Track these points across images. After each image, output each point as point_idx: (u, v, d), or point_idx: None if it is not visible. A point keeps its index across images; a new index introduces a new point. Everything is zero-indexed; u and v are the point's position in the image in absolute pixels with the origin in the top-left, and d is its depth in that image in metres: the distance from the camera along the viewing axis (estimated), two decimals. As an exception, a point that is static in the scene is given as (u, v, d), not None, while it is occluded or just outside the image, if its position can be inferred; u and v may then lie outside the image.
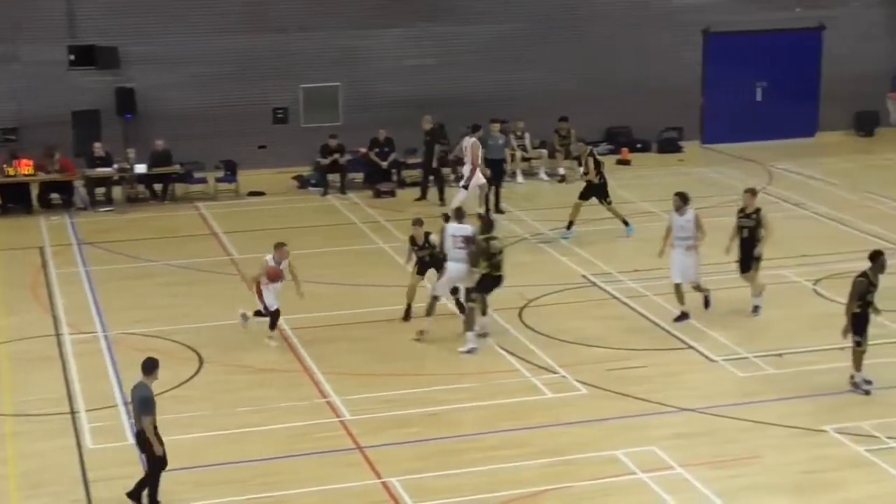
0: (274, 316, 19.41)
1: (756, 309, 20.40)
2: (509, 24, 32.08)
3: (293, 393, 17.67)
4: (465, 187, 26.06)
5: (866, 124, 34.58)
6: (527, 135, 30.65)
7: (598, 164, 25.14)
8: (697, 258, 20.01)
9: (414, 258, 20.37)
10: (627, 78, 32.73)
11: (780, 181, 29.80)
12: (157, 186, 29.07)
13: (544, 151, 30.98)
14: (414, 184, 29.35)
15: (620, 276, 22.56)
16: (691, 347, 19.23)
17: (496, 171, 27.41)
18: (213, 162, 29.91)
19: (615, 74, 32.69)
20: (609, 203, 25.20)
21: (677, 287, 20.05)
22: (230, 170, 29.77)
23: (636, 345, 19.36)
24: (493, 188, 27.17)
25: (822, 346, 19.04)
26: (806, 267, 22.96)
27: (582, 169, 25.62)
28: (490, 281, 19.39)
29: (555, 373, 18.29)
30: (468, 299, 19.48)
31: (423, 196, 28.54)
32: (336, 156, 29.44)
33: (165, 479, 14.37)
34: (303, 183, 30.09)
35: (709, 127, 33.84)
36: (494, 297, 20.63)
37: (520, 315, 20.70)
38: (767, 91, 34.04)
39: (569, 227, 25.11)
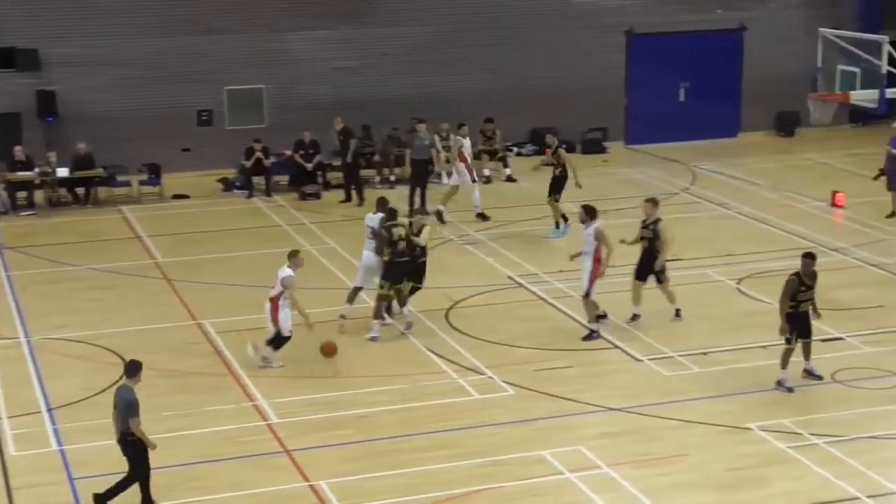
0: (284, 341, 18.56)
1: (678, 312, 20.33)
2: (434, 26, 32.09)
3: (219, 396, 17.56)
4: (474, 180, 26.76)
5: (787, 124, 35.00)
6: (452, 136, 30.65)
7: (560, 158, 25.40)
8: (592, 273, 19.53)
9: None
10: (551, 79, 32.87)
11: (704, 181, 30.07)
12: (80, 190, 28.74)
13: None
14: (339, 186, 29.27)
15: (546, 277, 22.65)
16: (617, 347, 19.34)
17: (421, 172, 27.43)
18: (137, 165, 29.62)
19: (539, 75, 32.82)
20: (557, 200, 25.28)
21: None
22: (154, 173, 29.52)
23: (562, 345, 19.45)
24: (417, 189, 27.20)
25: (745, 345, 19.26)
26: (730, 266, 23.18)
27: (550, 159, 25.61)
28: (392, 268, 19.56)
29: (482, 374, 18.33)
30: (379, 286, 19.73)
31: (348, 198, 28.49)
32: (259, 155, 29.22)
33: (91, 485, 14.21)
34: (228, 186, 29.89)
35: (633, 127, 34.08)
36: (421, 299, 20.70)
37: (446, 316, 20.71)
38: (690, 92, 34.34)
39: (557, 224, 25.26)
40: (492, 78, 32.46)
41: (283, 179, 29.91)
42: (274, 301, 18.38)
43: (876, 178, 26.83)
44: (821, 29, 24.55)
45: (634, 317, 20.20)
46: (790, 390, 17.50)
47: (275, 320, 18.39)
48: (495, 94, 32.19)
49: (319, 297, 21.32)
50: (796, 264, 22.90)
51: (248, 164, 29.29)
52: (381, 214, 20.06)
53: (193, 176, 30.39)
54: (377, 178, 30.15)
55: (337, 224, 26.72)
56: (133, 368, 14.25)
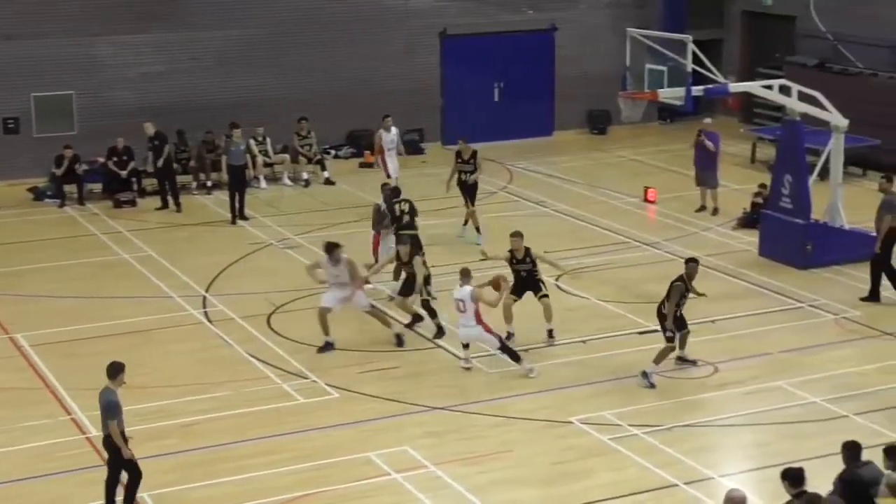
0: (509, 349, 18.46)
1: (550, 332, 19.64)
2: (245, 29, 31.75)
3: (35, 411, 17.11)
4: (388, 175, 27.01)
5: (599, 122, 35.68)
6: (268, 139, 30.42)
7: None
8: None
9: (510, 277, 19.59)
10: (366, 81, 32.86)
11: (520, 179, 30.46)
12: None
13: (287, 156, 30.82)
14: (155, 192, 28.81)
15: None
16: (439, 347, 19.46)
17: (239, 178, 27.14)
18: (-59, 175, 28.69)
19: (354, 78, 32.76)
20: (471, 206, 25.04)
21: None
22: (-40, 183, 28.62)
23: (385, 346, 19.47)
24: (236, 194, 26.91)
25: (565, 340, 19.59)
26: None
27: (467, 166, 25.00)
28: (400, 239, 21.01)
29: (306, 378, 18.26)
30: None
31: (164, 205, 28.04)
32: (66, 164, 28.51)
33: None
34: (38, 195, 29.10)
35: (449, 128, 34.29)
36: (243, 305, 20.58)
37: (268, 321, 20.57)
38: (505, 92, 34.74)
39: (478, 229, 24.75)
40: (306, 80, 32.29)
41: (97, 187, 29.27)
42: (479, 318, 18.09)
43: (697, 134, 27.56)
44: (628, 29, 25.04)
45: (509, 335, 19.36)
46: (653, 386, 17.83)
47: (489, 331, 18.17)
48: (310, 97, 32.02)
49: (137, 306, 20.95)
50: (613, 259, 23.61)
51: (59, 172, 28.59)
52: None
53: (1, 186, 29.51)
54: (193, 184, 29.70)
55: (153, 231, 26.29)
56: (114, 370, 14.12)
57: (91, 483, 14.99)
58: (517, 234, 19.66)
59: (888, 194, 21.49)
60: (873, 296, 21.29)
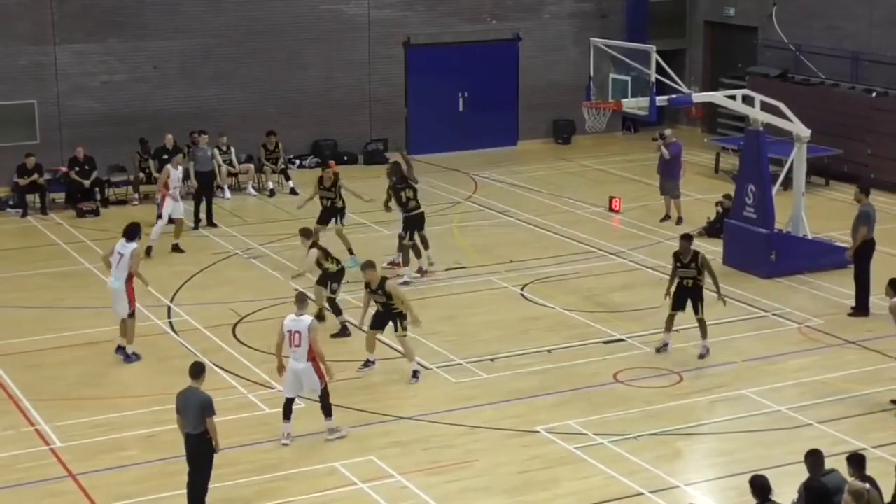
0: None
1: (415, 374, 18.62)
2: (207, 39, 31.58)
3: (-2, 422, 17.01)
4: (159, 216, 25.06)
5: (564, 132, 35.77)
6: (232, 149, 30.30)
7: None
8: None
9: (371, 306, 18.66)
10: (331, 91, 32.85)
11: (485, 189, 30.49)
12: None
13: (251, 166, 30.75)
14: (120, 202, 28.70)
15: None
16: (405, 356, 19.38)
17: (206, 184, 27.02)
18: None
19: (318, 88, 32.74)
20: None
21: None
22: (-81, 193, 28.37)
23: (348, 356, 19.38)
24: (202, 201, 26.79)
25: (531, 349, 19.61)
26: (513, 273, 23.54)
27: (329, 194, 24.02)
28: (410, 221, 22.78)
29: (271, 388, 18.18)
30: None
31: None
32: (35, 175, 28.36)
33: None
34: (0, 204, 28.90)
35: (414, 138, 34.33)
36: (207, 315, 20.45)
37: (233, 331, 20.49)
38: (469, 102, 34.78)
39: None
40: (269, 90, 32.22)
41: (60, 196, 29.09)
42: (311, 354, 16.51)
43: (653, 139, 27.78)
44: (592, 39, 25.14)
45: (367, 363, 18.86)
46: (701, 357, 19.16)
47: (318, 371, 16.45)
48: (274, 107, 31.98)
49: (99, 316, 20.82)
50: (578, 269, 23.70)
51: (24, 181, 28.37)
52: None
53: (-37, 196, 29.31)
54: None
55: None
56: (198, 370, 14.45)
57: (56, 494, 14.94)
58: (369, 265, 18.52)
59: (863, 205, 21.32)
60: (862, 309, 21.14)
